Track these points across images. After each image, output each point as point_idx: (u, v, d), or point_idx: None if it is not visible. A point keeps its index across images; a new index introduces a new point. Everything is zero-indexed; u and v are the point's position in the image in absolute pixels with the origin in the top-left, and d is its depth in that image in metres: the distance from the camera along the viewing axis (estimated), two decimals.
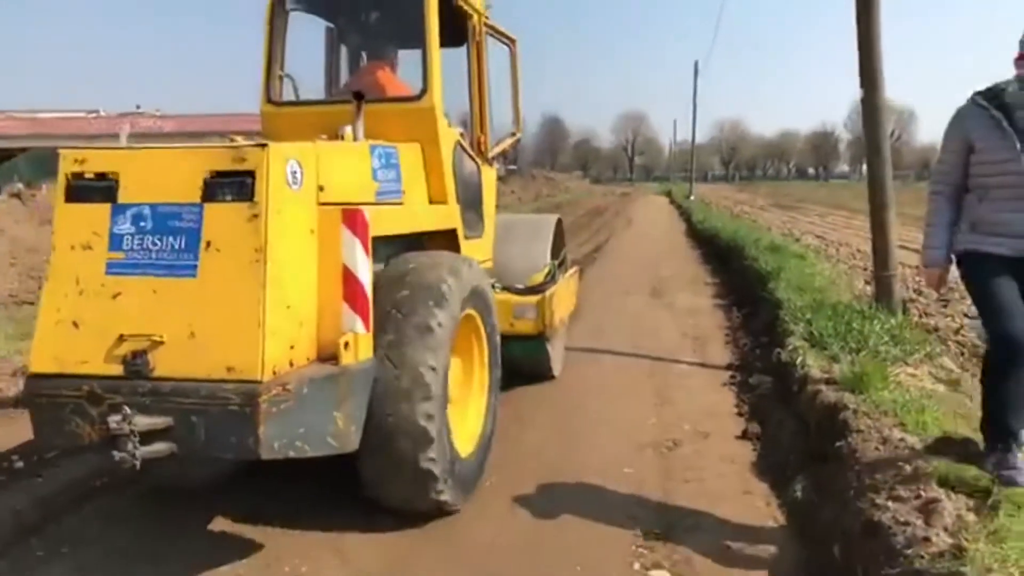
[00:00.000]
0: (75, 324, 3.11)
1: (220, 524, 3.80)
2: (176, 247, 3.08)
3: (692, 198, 41.71)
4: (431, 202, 4.62)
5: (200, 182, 3.09)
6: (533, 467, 4.46)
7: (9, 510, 3.74)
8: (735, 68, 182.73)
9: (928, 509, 2.92)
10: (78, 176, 3.22)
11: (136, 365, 3.01)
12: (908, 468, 3.35)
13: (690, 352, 7.30)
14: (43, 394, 3.12)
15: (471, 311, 4.09)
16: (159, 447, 2.94)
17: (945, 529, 2.79)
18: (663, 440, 4.88)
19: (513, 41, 5.96)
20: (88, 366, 3.06)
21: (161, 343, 3.02)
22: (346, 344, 3.26)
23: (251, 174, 3.07)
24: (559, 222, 6.52)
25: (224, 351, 2.99)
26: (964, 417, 4.39)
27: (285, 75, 4.85)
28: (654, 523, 3.73)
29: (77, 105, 42.38)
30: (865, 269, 11.34)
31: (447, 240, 4.61)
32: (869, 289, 8.23)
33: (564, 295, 6.23)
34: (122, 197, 3.15)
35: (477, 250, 5.07)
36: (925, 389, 4.86)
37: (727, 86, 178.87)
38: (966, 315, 8.40)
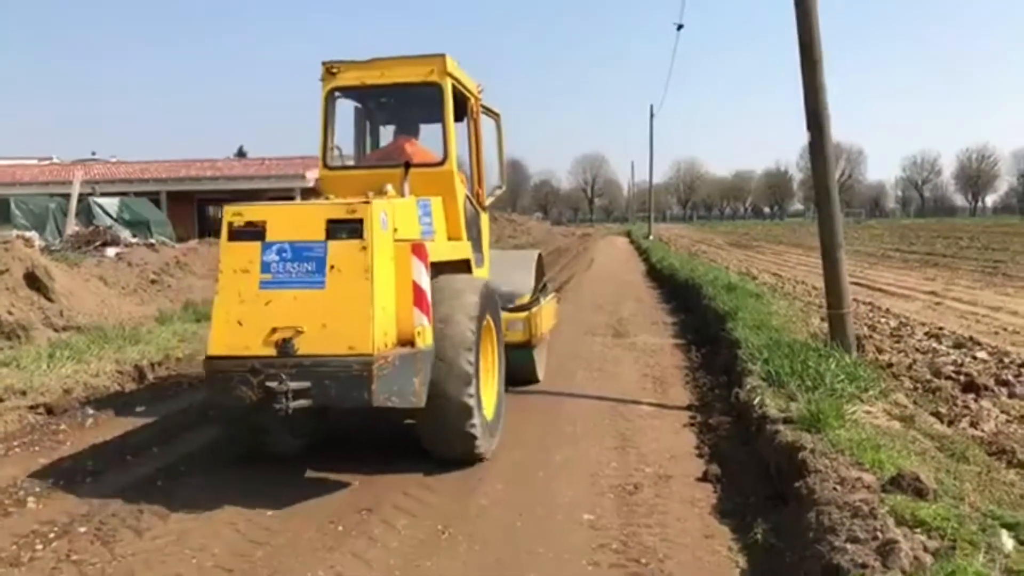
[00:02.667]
0: (239, 323, 4.57)
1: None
2: (309, 269, 4.59)
3: (651, 238, 42.25)
4: (449, 239, 6.13)
5: (324, 226, 4.63)
6: (494, 513, 4.40)
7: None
8: (690, 110, 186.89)
9: (886, 551, 2.92)
10: (236, 224, 4.71)
11: (285, 348, 4.44)
12: (865, 508, 3.35)
13: (651, 393, 7.30)
14: (218, 370, 4.53)
15: (488, 318, 5.56)
16: (302, 402, 4.35)
17: (903, 571, 2.79)
18: (624, 484, 4.84)
19: (498, 115, 7.34)
20: (250, 350, 4.48)
21: (302, 332, 4.47)
22: (419, 333, 4.73)
23: (360, 221, 4.61)
24: (540, 256, 8.10)
25: (346, 336, 4.46)
26: (919, 454, 4.45)
27: (337, 148, 6.46)
28: (615, 571, 3.67)
29: (30, 152, 41.76)
30: (820, 306, 11.53)
31: (462, 267, 6.03)
32: (824, 326, 8.35)
33: (546, 313, 7.74)
34: (269, 237, 4.66)
35: (480, 276, 6.42)
36: (880, 427, 4.92)
37: (683, 127, 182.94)
38: (917, 350, 8.56)
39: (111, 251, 16.47)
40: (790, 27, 7.09)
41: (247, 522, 4.33)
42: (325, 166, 6.37)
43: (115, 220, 21.67)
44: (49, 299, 10.09)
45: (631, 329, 11.30)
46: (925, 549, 2.98)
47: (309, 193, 31.23)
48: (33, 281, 10.11)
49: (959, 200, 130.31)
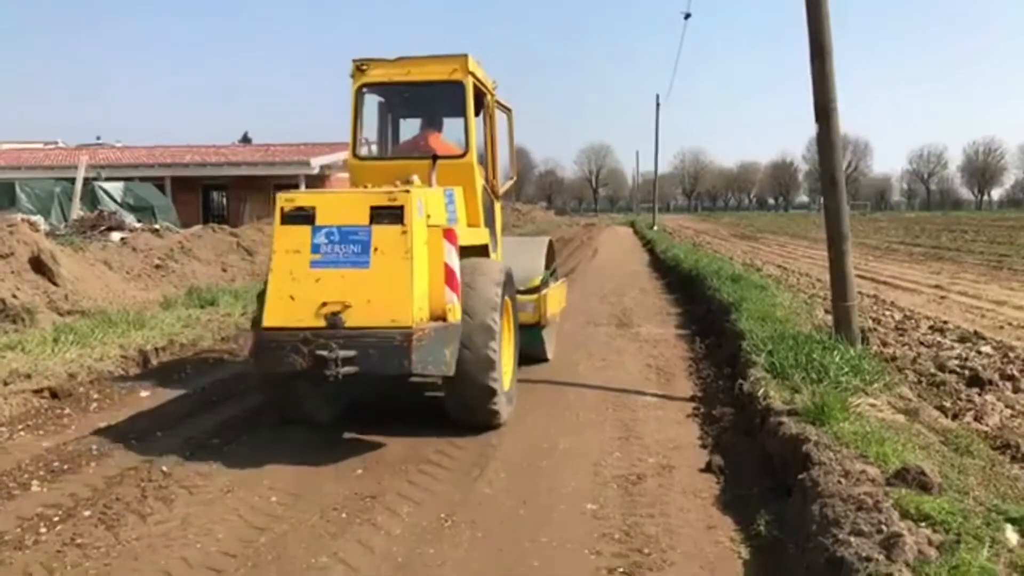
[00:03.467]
0: (291, 298, 5.07)
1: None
2: (355, 251, 5.10)
3: (655, 228, 42.14)
4: (468, 226, 6.47)
5: (368, 212, 5.14)
6: (497, 502, 4.40)
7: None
8: (696, 100, 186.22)
9: (890, 544, 2.92)
10: (288, 209, 5.22)
11: (334, 320, 4.94)
12: (870, 501, 3.35)
13: (654, 383, 7.30)
14: (271, 340, 5.01)
15: (506, 296, 6.03)
16: (349, 368, 4.82)
17: (907, 564, 2.78)
18: (627, 474, 4.84)
19: (510, 110, 7.72)
20: (302, 322, 4.97)
21: (349, 307, 4.97)
22: (449, 309, 5.24)
23: (401, 208, 5.13)
24: (550, 242, 8.52)
25: (389, 310, 4.98)
26: (923, 448, 4.44)
27: (365, 139, 6.96)
28: (618, 560, 3.67)
29: (35, 136, 41.77)
30: (824, 299, 11.50)
31: (481, 252, 6.50)
32: (829, 319, 8.33)
33: (556, 296, 8.10)
34: (318, 221, 5.15)
35: (496, 260, 6.93)
36: (885, 420, 4.90)
37: (688, 117, 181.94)
38: (922, 343, 8.54)
39: (116, 236, 16.51)
40: (798, 18, 7.05)
41: (251, 508, 4.35)
42: (355, 156, 6.79)
43: (120, 205, 21.69)
44: (54, 283, 10.11)
45: (635, 319, 11.29)
46: (930, 543, 2.97)
47: (314, 180, 31.25)
48: (38, 265, 10.13)
49: (965, 193, 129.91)
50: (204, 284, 12.78)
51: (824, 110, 6.97)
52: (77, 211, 20.23)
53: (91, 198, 21.38)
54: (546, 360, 8.08)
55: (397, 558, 3.73)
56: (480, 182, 6.77)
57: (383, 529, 4.05)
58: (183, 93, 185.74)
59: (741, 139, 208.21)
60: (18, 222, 11.42)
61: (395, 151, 7.18)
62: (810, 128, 7.14)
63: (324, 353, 4.77)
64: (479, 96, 6.85)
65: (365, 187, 5.92)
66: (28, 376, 6.72)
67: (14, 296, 9.19)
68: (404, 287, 5.02)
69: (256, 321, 5.39)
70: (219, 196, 33.88)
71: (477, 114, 6.81)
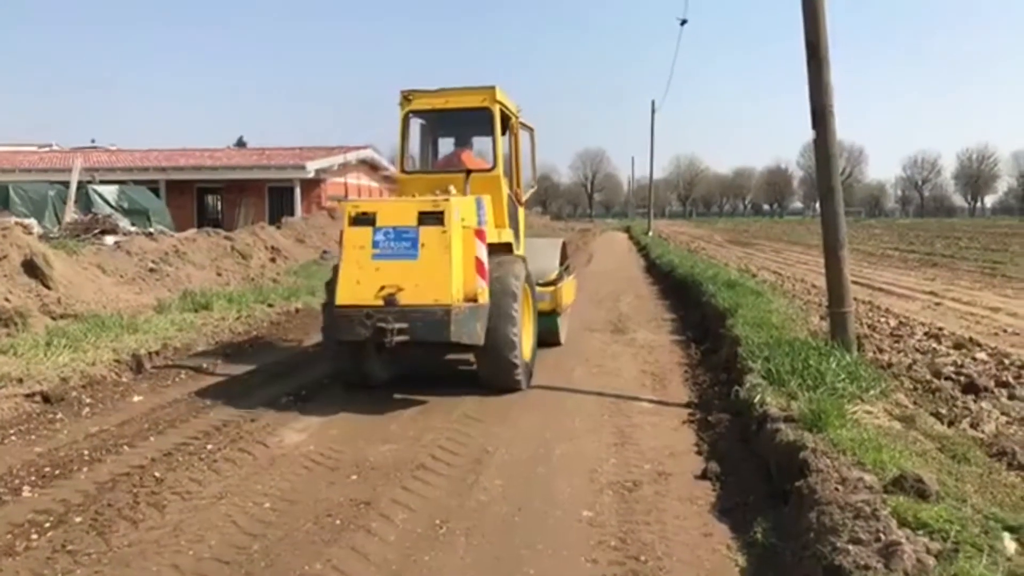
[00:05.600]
0: (358, 282, 6.46)
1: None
2: (407, 246, 6.47)
3: (650, 234, 42.18)
4: (496, 227, 7.70)
5: (416, 215, 6.53)
6: (492, 508, 4.37)
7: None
8: (692, 106, 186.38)
9: (888, 552, 2.90)
10: (354, 213, 6.67)
11: (391, 300, 6.30)
12: (867, 509, 3.33)
13: (650, 390, 7.28)
14: (343, 315, 6.41)
15: (525, 286, 7.35)
16: (402, 337, 6.21)
17: (906, 573, 2.77)
18: (623, 481, 4.82)
19: (532, 129, 9.09)
20: (366, 301, 6.35)
21: (402, 289, 6.32)
22: (480, 293, 6.58)
23: (442, 213, 6.51)
24: (564, 243, 10.05)
25: (433, 292, 6.34)
26: (920, 455, 4.42)
27: (411, 157, 8.40)
28: (614, 568, 3.65)
29: (29, 138, 41.62)
30: (820, 305, 11.51)
31: (506, 249, 7.79)
32: (824, 325, 8.32)
33: (568, 289, 9.56)
34: (378, 223, 6.57)
35: (519, 256, 8.03)
36: (881, 427, 4.89)
37: (684, 123, 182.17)
38: (917, 350, 8.54)
39: (110, 239, 16.44)
40: (795, 25, 7.05)
41: (244, 514, 4.31)
42: (403, 171, 8.26)
43: (114, 208, 21.61)
44: (47, 286, 10.05)
45: (630, 325, 11.27)
46: (928, 551, 2.95)
47: (308, 184, 31.20)
48: (31, 268, 10.06)
49: (959, 200, 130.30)
50: (198, 288, 12.72)
51: (821, 114, 6.97)
52: (71, 214, 20.16)
53: (85, 201, 21.31)
54: (559, 344, 9.28)
55: (392, 565, 3.70)
56: (505, 191, 8.08)
57: (377, 536, 4.02)
58: (178, 97, 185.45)
59: (737, 146, 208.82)
60: (11, 225, 11.36)
61: (435, 166, 8.59)
62: (805, 134, 7.15)
63: (383, 324, 6.17)
64: (505, 119, 8.12)
65: (412, 196, 7.32)
66: (20, 380, 6.68)
67: (6, 299, 9.14)
68: (445, 274, 6.38)
69: (328, 303, 6.82)
70: (214, 200, 33.80)
71: (503, 134, 8.06)
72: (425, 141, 8.75)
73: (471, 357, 7.28)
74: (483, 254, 6.67)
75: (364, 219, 6.58)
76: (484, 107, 7.79)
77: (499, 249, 7.42)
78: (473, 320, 6.43)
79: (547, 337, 8.84)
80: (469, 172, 7.72)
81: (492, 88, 7.79)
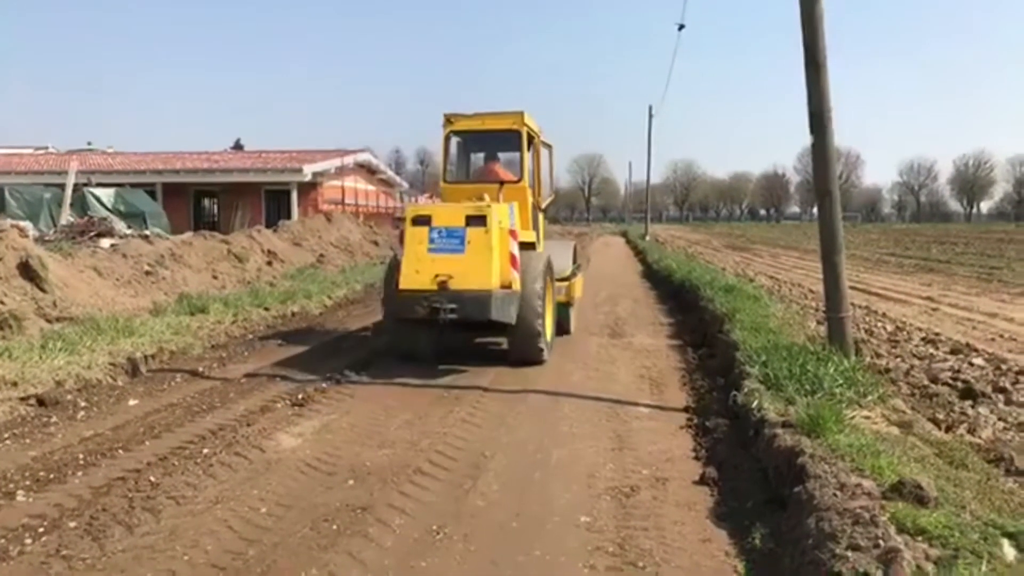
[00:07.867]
0: (416, 271, 7.97)
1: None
2: (456, 243, 7.99)
3: (648, 238, 42.19)
4: (522, 229, 8.86)
5: (464, 218, 8.05)
6: (489, 514, 4.35)
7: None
8: (689, 111, 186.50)
9: (887, 559, 2.89)
10: (414, 216, 8.23)
11: (443, 285, 7.81)
12: (866, 515, 3.32)
13: (648, 394, 7.26)
14: (404, 298, 7.93)
15: (548, 278, 8.90)
16: (452, 316, 7.68)
17: None
18: (620, 486, 4.80)
19: (551, 147, 10.60)
20: (423, 286, 7.87)
21: (452, 277, 7.84)
22: (513, 282, 8.08)
23: (485, 216, 8.02)
24: (575, 245, 11.83)
25: (477, 279, 7.85)
26: (918, 461, 4.41)
27: (450, 170, 9.94)
28: (612, 574, 3.63)
29: (25, 141, 41.55)
30: (817, 310, 11.52)
31: (530, 247, 9.18)
32: (822, 330, 8.32)
33: (578, 284, 11.06)
34: (433, 224, 8.08)
35: (540, 253, 9.44)
36: (879, 432, 4.89)
37: (681, 128, 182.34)
38: (915, 355, 8.54)
39: (106, 242, 16.38)
40: (792, 31, 7.06)
41: (240, 519, 4.28)
42: (445, 181, 9.76)
43: (110, 211, 21.55)
44: (42, 289, 10.00)
45: (628, 329, 11.27)
46: (927, 557, 2.95)
47: (306, 188, 31.18)
48: (26, 271, 10.01)
49: (955, 205, 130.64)
50: (195, 291, 12.69)
51: (819, 119, 6.97)
52: (67, 217, 20.10)
53: (81, 204, 21.25)
54: (569, 332, 10.52)
55: (388, 571, 3.68)
56: (530, 199, 9.58)
57: (374, 541, 4.00)
58: (175, 99, 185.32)
59: (733, 151, 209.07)
60: (7, 228, 11.31)
61: (471, 177, 10.13)
62: (802, 139, 7.18)
63: (437, 305, 7.67)
64: (530, 139, 9.56)
65: (458, 202, 8.64)
66: (15, 384, 6.64)
67: (1, 302, 9.09)
68: (487, 266, 7.91)
69: (388, 290, 8.45)
70: (210, 203, 33.76)
71: (528, 150, 9.48)
72: (462, 157, 10.39)
73: (499, 340, 9.05)
74: (516, 250, 8.21)
75: (422, 220, 8.11)
76: (514, 129, 9.27)
77: (525, 247, 8.79)
78: (508, 303, 7.94)
79: (561, 325, 10.09)
80: (503, 183, 9.21)
81: (520, 113, 9.26)
